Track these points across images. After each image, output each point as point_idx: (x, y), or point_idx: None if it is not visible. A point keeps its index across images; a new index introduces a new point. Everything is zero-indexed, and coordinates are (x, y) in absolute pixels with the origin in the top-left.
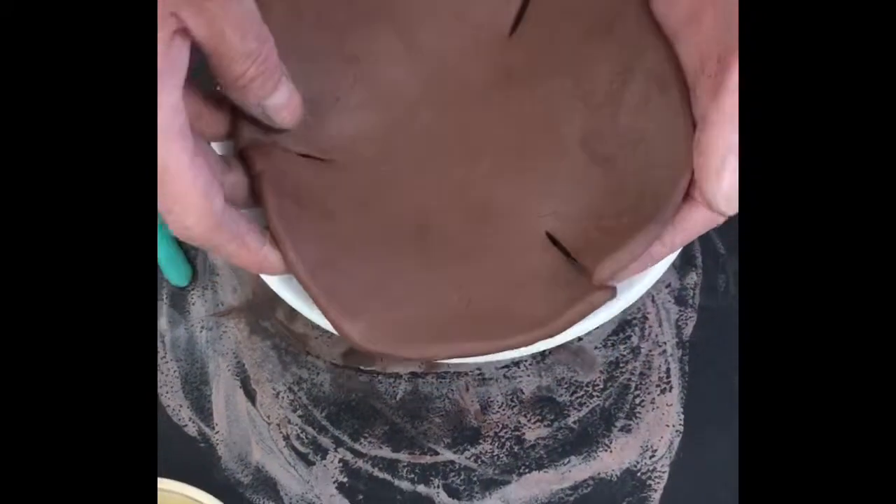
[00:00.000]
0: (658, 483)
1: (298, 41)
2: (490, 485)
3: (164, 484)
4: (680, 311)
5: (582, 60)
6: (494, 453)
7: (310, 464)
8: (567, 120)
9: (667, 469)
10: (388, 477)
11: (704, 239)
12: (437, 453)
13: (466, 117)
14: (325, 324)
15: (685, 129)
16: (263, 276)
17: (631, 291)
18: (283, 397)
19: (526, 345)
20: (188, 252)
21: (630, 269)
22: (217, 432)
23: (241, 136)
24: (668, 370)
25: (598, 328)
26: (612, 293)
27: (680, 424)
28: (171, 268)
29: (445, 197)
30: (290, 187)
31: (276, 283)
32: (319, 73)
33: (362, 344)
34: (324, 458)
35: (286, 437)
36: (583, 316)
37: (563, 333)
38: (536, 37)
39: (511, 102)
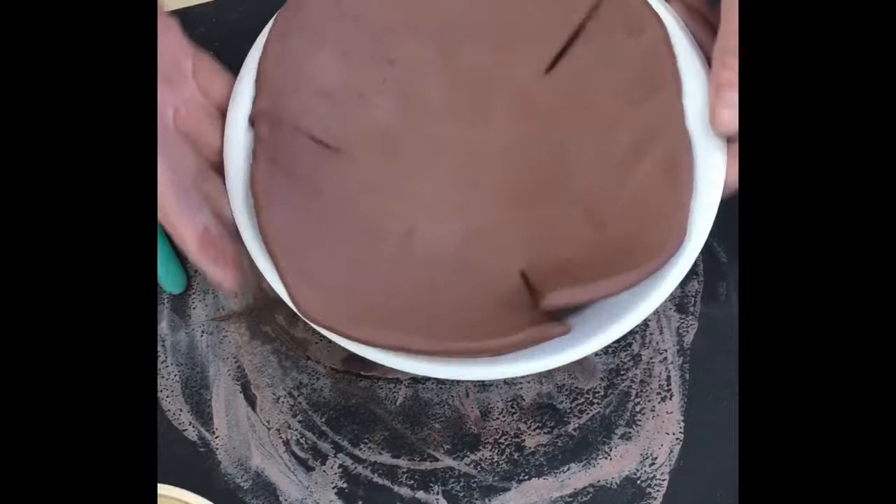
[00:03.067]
0: (658, 491)
1: (334, 34)
2: (489, 491)
3: (163, 490)
4: (681, 318)
5: (607, 120)
6: (494, 460)
7: (309, 469)
8: (574, 173)
9: (666, 477)
10: (387, 483)
11: (705, 247)
12: (436, 459)
13: (481, 141)
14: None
15: (684, 206)
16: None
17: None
18: (283, 402)
19: (469, 355)
20: (186, 259)
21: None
22: (217, 437)
23: (257, 105)
24: (668, 378)
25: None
26: (566, 331)
27: (680, 432)
28: (165, 275)
29: (438, 211)
30: (285, 158)
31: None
32: (349, 68)
33: (309, 314)
34: (323, 463)
35: (286, 442)
36: (533, 342)
37: (531, 364)
38: (570, 81)
39: (527, 138)
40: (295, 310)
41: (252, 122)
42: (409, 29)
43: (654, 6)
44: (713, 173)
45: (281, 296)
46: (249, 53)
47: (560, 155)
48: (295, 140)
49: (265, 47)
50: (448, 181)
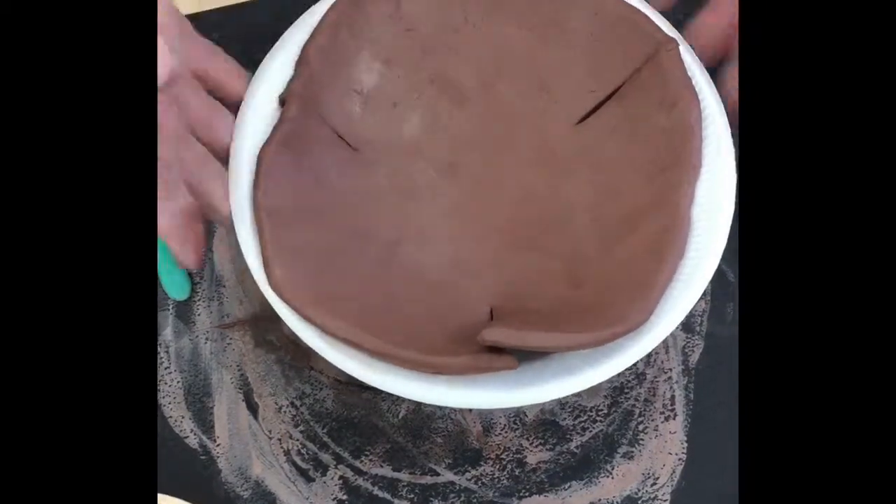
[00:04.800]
0: None
1: (383, 39)
2: None
3: (163, 500)
4: (687, 338)
5: (616, 186)
6: (495, 476)
7: (310, 480)
8: (569, 230)
9: (668, 497)
10: (387, 496)
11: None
12: (437, 474)
13: (494, 177)
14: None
15: (659, 288)
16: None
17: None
18: (285, 412)
19: (411, 366)
20: None
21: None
22: (218, 445)
23: (292, 86)
24: (672, 397)
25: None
26: (512, 366)
27: (683, 452)
28: (170, 281)
29: (432, 231)
30: (301, 144)
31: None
32: (389, 76)
33: (277, 288)
34: (324, 474)
35: (287, 452)
36: (478, 370)
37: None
38: (593, 140)
39: (537, 185)
40: (258, 280)
41: (282, 101)
42: (457, 52)
43: (697, 77)
44: (708, 261)
45: (250, 268)
46: (275, 47)
47: (562, 209)
48: (318, 129)
49: (313, 34)
50: (451, 207)
